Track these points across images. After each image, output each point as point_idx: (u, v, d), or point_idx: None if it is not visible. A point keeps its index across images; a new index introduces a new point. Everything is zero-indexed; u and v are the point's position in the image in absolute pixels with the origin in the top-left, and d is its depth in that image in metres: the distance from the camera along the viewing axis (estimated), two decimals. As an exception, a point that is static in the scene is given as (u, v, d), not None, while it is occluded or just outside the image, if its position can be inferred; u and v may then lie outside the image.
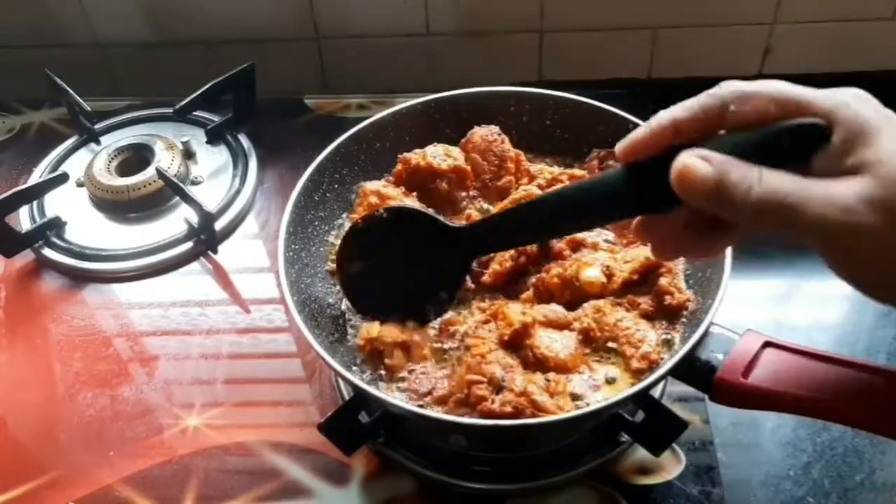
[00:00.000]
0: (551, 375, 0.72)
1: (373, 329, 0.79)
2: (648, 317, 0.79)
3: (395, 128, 0.95)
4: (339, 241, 0.89)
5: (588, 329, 0.76)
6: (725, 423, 0.84)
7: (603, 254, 0.82)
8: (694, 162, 0.49)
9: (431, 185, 0.90)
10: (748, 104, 0.50)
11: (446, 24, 1.24)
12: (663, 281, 0.79)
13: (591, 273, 0.80)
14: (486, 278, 0.84)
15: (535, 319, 0.77)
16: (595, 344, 0.77)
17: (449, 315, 0.81)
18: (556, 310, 0.79)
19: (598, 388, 0.74)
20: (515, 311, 0.77)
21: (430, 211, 0.82)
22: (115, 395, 0.90)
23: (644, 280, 0.80)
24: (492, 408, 0.69)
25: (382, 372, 0.78)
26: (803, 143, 0.48)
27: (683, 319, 0.78)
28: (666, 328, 0.78)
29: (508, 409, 0.69)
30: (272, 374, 0.92)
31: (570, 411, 0.70)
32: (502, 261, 0.83)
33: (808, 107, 0.48)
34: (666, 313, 0.79)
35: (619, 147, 0.55)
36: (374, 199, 0.88)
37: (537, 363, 0.74)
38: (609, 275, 0.81)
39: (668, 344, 0.76)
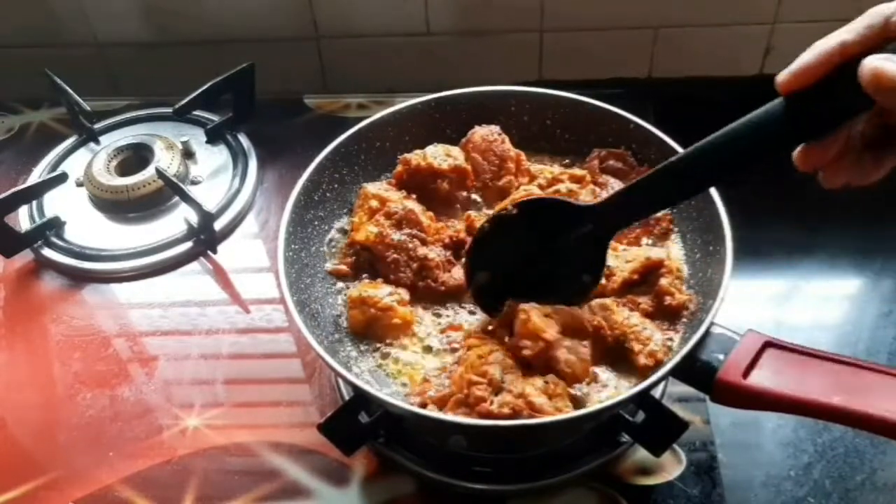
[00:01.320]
0: (550, 377, 0.72)
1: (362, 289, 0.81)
2: (649, 317, 0.79)
3: (395, 128, 0.95)
4: (339, 242, 0.90)
5: (599, 327, 0.76)
6: (726, 423, 0.83)
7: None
8: (883, 62, 0.50)
9: (432, 186, 0.90)
10: None
11: (446, 24, 1.24)
12: (664, 281, 0.79)
13: None
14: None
15: (560, 333, 0.75)
16: (606, 345, 0.76)
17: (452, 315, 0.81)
18: (572, 312, 0.77)
19: (599, 391, 0.74)
20: (540, 320, 0.74)
21: (558, 196, 0.81)
22: (114, 395, 0.89)
23: (644, 280, 0.80)
24: (490, 409, 0.69)
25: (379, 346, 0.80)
26: None
27: (684, 320, 0.78)
28: (666, 329, 0.78)
29: (506, 410, 0.68)
30: (272, 374, 0.92)
31: (568, 413, 0.70)
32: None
33: None
34: (666, 314, 0.79)
35: (784, 77, 0.56)
36: (374, 203, 0.88)
37: (546, 370, 0.74)
38: (609, 274, 0.81)
39: (667, 345, 0.76)
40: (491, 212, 0.90)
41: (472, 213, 0.90)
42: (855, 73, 0.51)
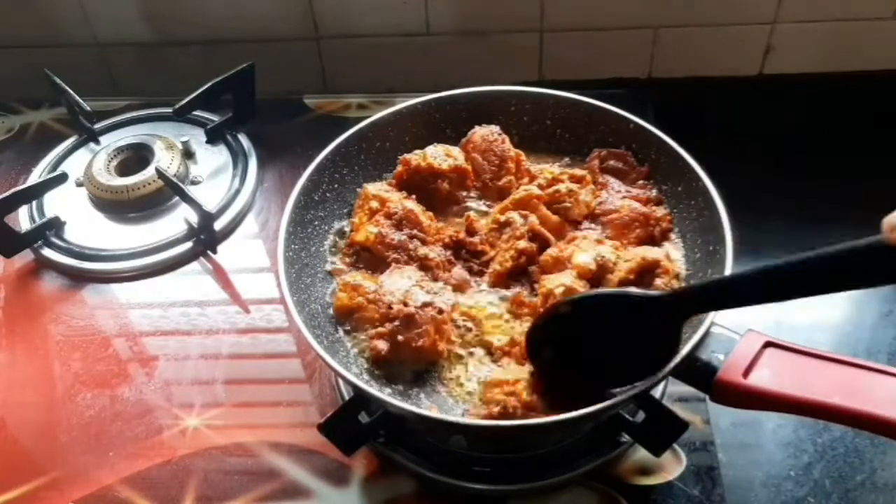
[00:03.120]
0: None
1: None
2: None
3: (395, 128, 0.95)
4: (339, 242, 0.90)
5: None
6: (726, 423, 0.83)
7: (604, 248, 0.82)
8: None
9: (432, 186, 0.90)
10: None
11: (446, 24, 1.24)
12: (659, 281, 0.79)
13: (583, 258, 0.80)
14: (486, 278, 0.84)
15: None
16: None
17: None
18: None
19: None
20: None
21: (618, 290, 0.76)
22: (114, 395, 0.89)
23: (640, 280, 0.80)
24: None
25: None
26: None
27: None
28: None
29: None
30: (272, 374, 0.92)
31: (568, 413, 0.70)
32: (503, 261, 0.83)
33: None
34: None
35: (890, 225, 0.53)
36: (374, 204, 0.88)
37: None
38: (603, 265, 0.80)
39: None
40: (491, 211, 0.90)
41: (473, 213, 0.90)
42: None
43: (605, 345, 0.70)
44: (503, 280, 0.83)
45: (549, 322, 0.72)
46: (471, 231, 0.87)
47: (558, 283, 0.78)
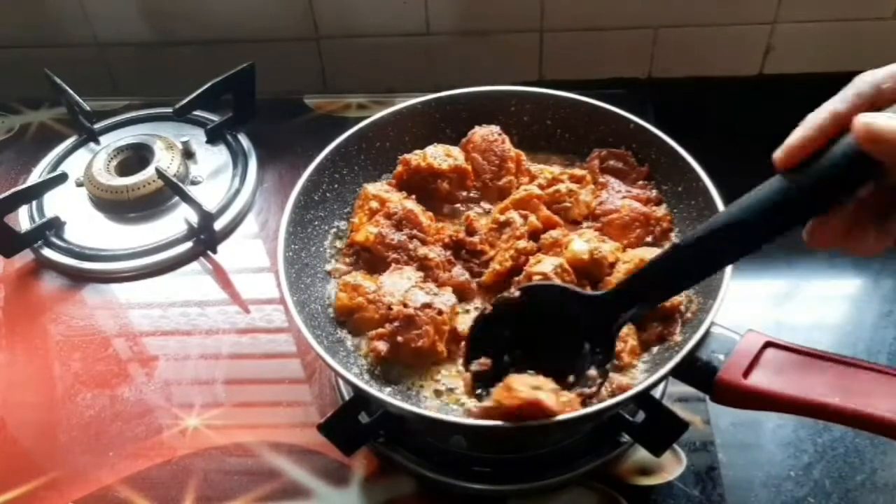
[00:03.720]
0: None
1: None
2: (643, 318, 0.79)
3: (395, 128, 0.95)
4: (339, 242, 0.90)
5: None
6: (726, 423, 0.83)
7: (606, 245, 0.83)
8: (874, 117, 0.49)
9: (432, 186, 0.90)
10: None
11: (446, 24, 1.24)
12: None
13: (579, 245, 0.81)
14: (485, 278, 0.84)
15: None
16: None
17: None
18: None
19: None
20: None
21: (562, 283, 0.76)
22: (114, 395, 0.89)
23: None
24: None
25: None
26: None
27: (680, 320, 0.78)
28: (661, 330, 0.78)
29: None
30: (272, 374, 0.92)
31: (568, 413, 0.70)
32: (502, 261, 0.83)
33: None
34: (659, 315, 0.79)
35: (780, 154, 0.54)
36: (374, 204, 0.88)
37: None
38: (598, 261, 0.81)
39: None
40: (491, 210, 0.91)
41: (472, 213, 0.90)
42: (850, 143, 0.50)
43: (546, 336, 0.71)
44: (502, 280, 0.83)
45: (496, 311, 0.72)
46: (471, 231, 0.87)
47: (539, 269, 0.79)
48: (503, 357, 0.72)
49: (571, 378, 0.69)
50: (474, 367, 0.71)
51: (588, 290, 0.76)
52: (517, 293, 0.72)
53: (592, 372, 0.69)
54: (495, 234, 0.86)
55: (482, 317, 0.73)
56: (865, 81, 0.53)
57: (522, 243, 0.83)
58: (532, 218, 0.85)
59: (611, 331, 0.69)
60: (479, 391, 0.71)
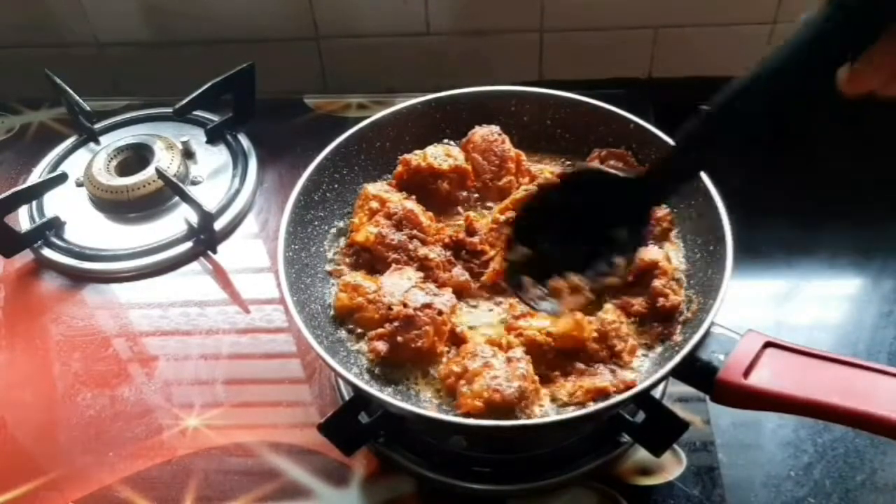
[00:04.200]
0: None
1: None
2: (642, 318, 0.79)
3: (395, 128, 0.95)
4: (339, 243, 0.90)
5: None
6: (726, 423, 0.83)
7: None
8: None
9: (432, 186, 0.90)
10: None
11: (446, 24, 1.23)
12: (657, 283, 0.79)
13: None
14: (485, 278, 0.84)
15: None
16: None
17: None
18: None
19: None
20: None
21: (599, 166, 0.80)
22: (114, 395, 0.89)
23: (639, 281, 0.80)
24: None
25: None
26: None
27: (680, 320, 0.78)
28: (661, 330, 0.78)
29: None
30: (272, 374, 0.92)
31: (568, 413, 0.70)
32: (502, 261, 0.83)
33: None
34: (659, 315, 0.79)
35: None
36: (374, 204, 0.88)
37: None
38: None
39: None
40: (492, 208, 0.90)
41: (472, 213, 0.90)
42: None
43: (580, 232, 0.72)
44: (501, 279, 0.83)
45: (537, 198, 0.75)
46: (471, 231, 0.87)
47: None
48: (542, 245, 0.74)
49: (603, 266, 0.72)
50: (513, 255, 0.74)
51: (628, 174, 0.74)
52: (556, 179, 0.74)
53: (620, 259, 0.71)
54: (495, 234, 0.86)
55: (525, 201, 0.75)
56: None
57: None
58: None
59: (647, 211, 0.71)
60: (514, 282, 0.75)
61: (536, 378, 0.74)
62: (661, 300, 0.78)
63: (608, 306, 0.79)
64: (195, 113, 1.19)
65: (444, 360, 0.79)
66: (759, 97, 0.54)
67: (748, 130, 0.58)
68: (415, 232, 0.85)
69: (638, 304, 0.79)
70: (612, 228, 0.71)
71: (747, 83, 0.55)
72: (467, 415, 0.70)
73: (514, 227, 0.76)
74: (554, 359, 0.76)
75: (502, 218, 0.86)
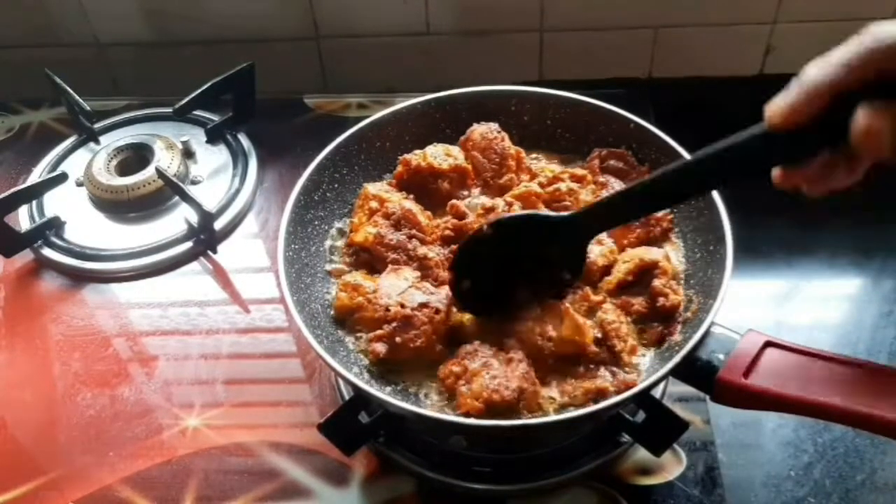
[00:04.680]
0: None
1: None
2: (642, 317, 0.79)
3: (395, 127, 0.95)
4: (339, 242, 0.90)
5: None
6: (726, 423, 0.83)
7: (598, 249, 0.83)
8: (876, 123, 0.48)
9: (433, 186, 0.90)
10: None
11: (446, 24, 1.24)
12: (657, 283, 0.79)
13: None
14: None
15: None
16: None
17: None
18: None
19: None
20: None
21: (531, 210, 0.84)
22: (114, 395, 0.89)
23: (639, 281, 0.80)
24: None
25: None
26: None
27: (680, 320, 0.78)
28: (661, 330, 0.78)
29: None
30: (272, 374, 0.92)
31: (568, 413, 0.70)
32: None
33: None
34: (659, 315, 0.79)
35: (775, 113, 0.52)
36: (374, 204, 0.88)
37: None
38: (604, 275, 0.81)
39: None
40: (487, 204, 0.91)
41: (456, 201, 0.88)
42: (845, 109, 0.49)
43: (519, 265, 0.77)
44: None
45: (471, 245, 0.77)
46: (459, 215, 0.86)
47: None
48: (485, 280, 0.77)
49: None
50: (460, 288, 0.78)
51: (561, 214, 0.79)
52: (488, 229, 0.76)
53: (567, 275, 0.78)
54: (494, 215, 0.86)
55: (459, 249, 0.78)
56: (878, 38, 0.51)
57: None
58: (516, 206, 0.85)
59: (582, 249, 0.76)
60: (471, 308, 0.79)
61: (536, 378, 0.74)
62: (661, 300, 0.78)
63: (608, 306, 0.79)
64: (195, 113, 1.19)
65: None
66: (690, 178, 0.64)
67: (678, 200, 0.72)
68: (414, 231, 0.85)
69: (638, 303, 0.79)
70: (550, 267, 0.77)
71: (682, 166, 0.64)
72: (467, 415, 0.70)
73: (455, 264, 0.79)
74: (554, 363, 0.76)
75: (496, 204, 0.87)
